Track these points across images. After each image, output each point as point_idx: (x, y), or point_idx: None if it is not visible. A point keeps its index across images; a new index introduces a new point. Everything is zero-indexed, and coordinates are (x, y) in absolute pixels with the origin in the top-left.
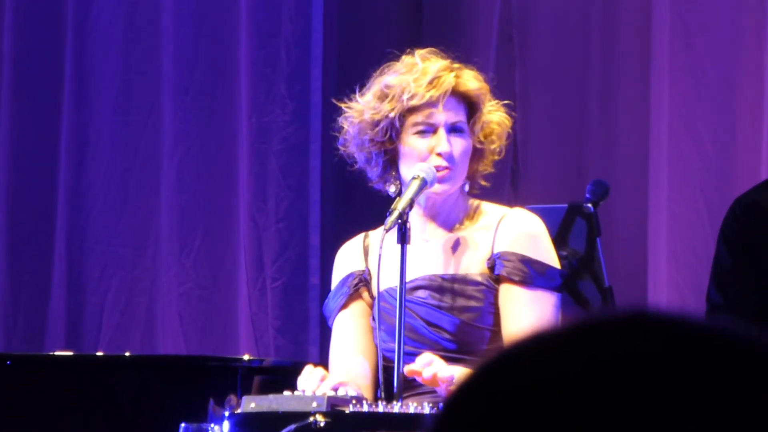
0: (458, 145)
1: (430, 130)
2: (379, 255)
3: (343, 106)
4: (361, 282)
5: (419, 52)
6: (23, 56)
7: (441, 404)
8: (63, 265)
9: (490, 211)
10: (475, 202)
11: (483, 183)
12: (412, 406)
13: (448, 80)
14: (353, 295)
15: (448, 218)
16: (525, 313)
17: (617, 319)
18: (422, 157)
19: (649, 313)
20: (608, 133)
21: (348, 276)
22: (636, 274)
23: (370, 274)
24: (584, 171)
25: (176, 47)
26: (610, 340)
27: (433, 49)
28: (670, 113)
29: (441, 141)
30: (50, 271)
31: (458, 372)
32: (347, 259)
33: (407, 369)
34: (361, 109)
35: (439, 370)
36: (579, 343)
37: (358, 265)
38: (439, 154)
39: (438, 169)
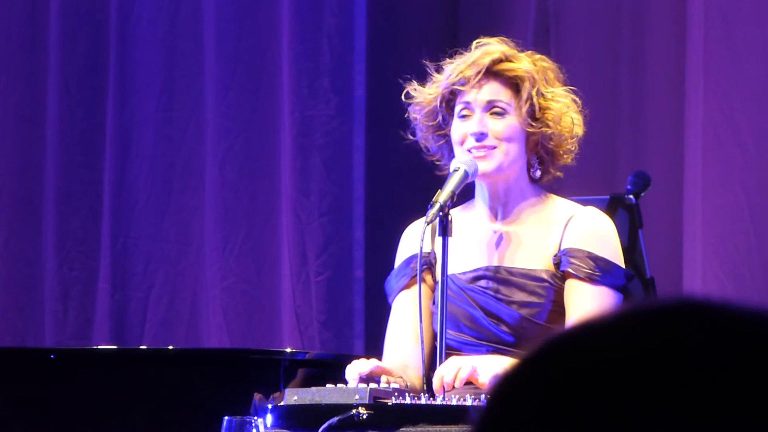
0: (496, 125)
1: (468, 112)
2: (420, 248)
3: (410, 90)
4: (425, 264)
5: (479, 40)
6: (68, 54)
7: (483, 397)
8: (108, 260)
9: (560, 206)
10: (545, 194)
11: (557, 173)
12: (454, 399)
13: (484, 60)
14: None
15: (516, 207)
16: (587, 309)
17: (664, 308)
18: (461, 142)
19: (696, 302)
20: (643, 124)
21: (413, 256)
22: (672, 265)
23: (435, 257)
24: (618, 163)
25: (219, 43)
26: (657, 328)
27: (502, 38)
28: (705, 103)
29: (473, 122)
30: (96, 266)
31: (479, 362)
32: (413, 239)
33: (437, 383)
34: (418, 94)
35: (460, 371)
36: (627, 332)
37: (424, 247)
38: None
39: (471, 150)
